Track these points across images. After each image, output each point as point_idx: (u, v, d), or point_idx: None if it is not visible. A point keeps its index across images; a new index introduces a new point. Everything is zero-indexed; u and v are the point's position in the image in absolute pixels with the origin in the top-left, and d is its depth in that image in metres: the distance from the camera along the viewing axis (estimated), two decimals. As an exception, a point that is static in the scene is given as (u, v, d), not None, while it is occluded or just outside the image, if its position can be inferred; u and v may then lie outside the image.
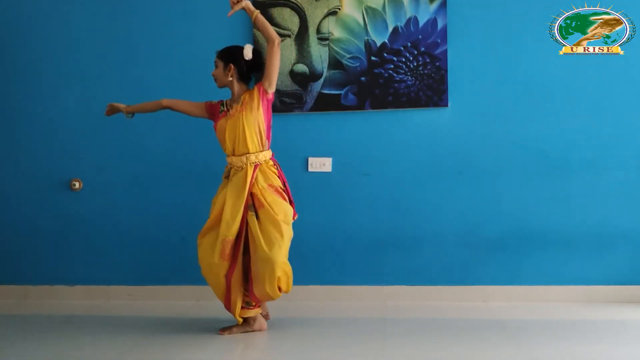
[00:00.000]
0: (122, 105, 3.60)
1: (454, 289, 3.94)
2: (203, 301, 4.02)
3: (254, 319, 3.39)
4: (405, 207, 3.97)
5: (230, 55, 3.41)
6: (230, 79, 3.40)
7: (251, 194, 3.30)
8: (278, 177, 3.39)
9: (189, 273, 4.06)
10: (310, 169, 4.01)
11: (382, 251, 3.98)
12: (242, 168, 3.33)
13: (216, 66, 3.44)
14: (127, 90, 4.11)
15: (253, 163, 3.33)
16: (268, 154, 3.39)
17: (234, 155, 3.36)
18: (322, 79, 3.99)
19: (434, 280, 3.96)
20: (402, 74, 3.94)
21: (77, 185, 4.14)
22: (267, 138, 3.39)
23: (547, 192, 3.90)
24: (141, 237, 4.12)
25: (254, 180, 3.31)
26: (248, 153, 3.32)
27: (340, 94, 3.98)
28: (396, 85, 3.94)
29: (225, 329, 3.39)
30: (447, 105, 3.92)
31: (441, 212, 3.95)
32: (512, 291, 3.91)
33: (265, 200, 3.28)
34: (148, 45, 4.09)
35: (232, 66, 3.39)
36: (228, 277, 3.29)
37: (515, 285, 3.91)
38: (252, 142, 3.33)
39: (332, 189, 4.00)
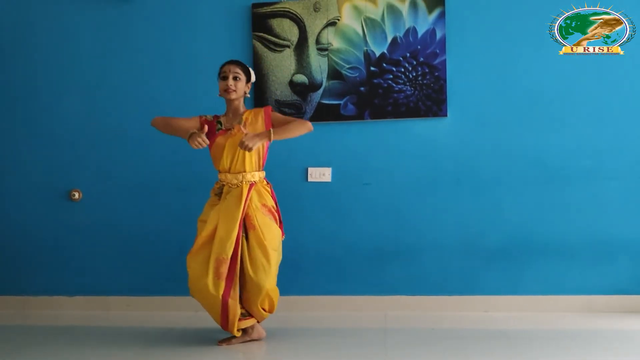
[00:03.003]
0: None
1: (454, 299, 3.93)
2: (202, 312, 4.00)
3: (252, 327, 3.37)
4: (405, 216, 3.97)
5: (249, 72, 3.43)
6: (246, 95, 3.41)
7: (247, 214, 3.28)
8: (271, 197, 3.38)
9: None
10: (309, 179, 4.01)
11: (383, 261, 3.98)
12: (238, 186, 3.31)
13: (239, 78, 3.37)
14: (127, 100, 4.12)
15: (249, 181, 3.32)
16: (262, 173, 3.39)
17: (229, 172, 3.34)
18: (321, 89, 4.00)
19: (434, 290, 3.95)
20: (401, 84, 3.95)
21: (76, 195, 4.14)
22: (264, 159, 3.40)
23: (548, 201, 3.89)
24: (141, 247, 4.11)
25: (249, 199, 3.29)
26: (244, 172, 3.32)
27: (339, 104, 3.99)
28: (395, 95, 3.95)
29: (224, 340, 3.37)
30: (446, 115, 3.92)
31: (441, 221, 3.95)
32: (513, 301, 3.90)
33: (257, 222, 3.27)
34: (148, 55, 4.11)
35: (249, 84, 3.42)
36: (225, 297, 3.24)
37: (516, 295, 3.90)
38: (251, 162, 3.33)
39: (332, 199, 4.00)
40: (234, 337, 3.36)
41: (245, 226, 3.28)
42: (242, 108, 3.42)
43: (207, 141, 3.23)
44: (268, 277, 3.24)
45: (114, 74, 4.12)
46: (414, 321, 3.74)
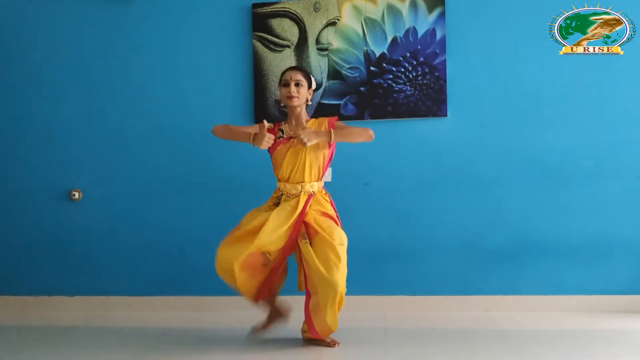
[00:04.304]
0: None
1: (454, 299, 3.93)
2: (202, 311, 4.01)
3: (276, 311, 3.41)
4: (405, 216, 3.97)
5: (310, 78, 3.38)
6: (308, 102, 3.36)
7: (304, 223, 3.23)
8: (331, 206, 3.35)
9: (188, 283, 4.06)
10: (310, 179, 4.00)
11: (383, 261, 3.98)
12: (297, 196, 3.27)
13: (301, 84, 3.30)
14: (127, 100, 4.12)
15: (307, 192, 3.28)
16: (321, 183, 3.35)
17: (287, 182, 3.29)
18: (321, 89, 4.00)
19: (434, 291, 3.95)
20: (401, 84, 3.95)
21: (76, 195, 4.14)
22: (324, 170, 3.35)
23: (547, 202, 3.89)
24: (140, 247, 4.11)
25: (306, 209, 3.24)
26: (303, 182, 3.28)
27: (339, 104, 3.99)
28: (395, 95, 3.95)
29: (257, 327, 3.39)
30: (446, 115, 3.92)
31: (441, 221, 3.95)
32: (512, 301, 3.90)
33: (321, 227, 3.20)
34: (148, 55, 4.11)
35: (311, 90, 3.37)
36: (266, 282, 3.28)
37: (515, 295, 3.90)
38: (310, 173, 3.28)
39: (332, 199, 4.00)
40: (262, 322, 3.38)
41: (309, 234, 3.21)
42: (304, 116, 3.36)
43: (272, 137, 3.20)
44: (339, 273, 3.10)
45: (114, 74, 4.12)
46: (414, 321, 3.74)
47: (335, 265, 3.10)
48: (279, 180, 3.33)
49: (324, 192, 3.36)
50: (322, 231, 3.18)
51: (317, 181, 3.32)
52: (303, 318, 3.33)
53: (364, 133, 3.27)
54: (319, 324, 3.20)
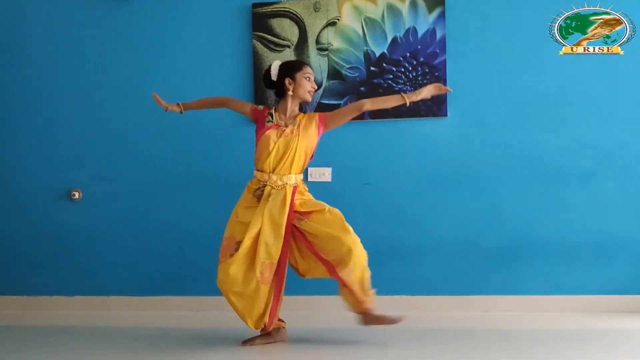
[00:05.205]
0: (172, 105, 3.43)
1: (454, 299, 3.93)
2: (202, 311, 4.01)
3: (277, 330, 3.36)
4: (405, 216, 3.97)
5: None
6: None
7: (295, 212, 3.26)
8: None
9: (188, 283, 4.06)
10: (309, 179, 4.01)
11: (382, 261, 3.96)
12: (282, 188, 3.27)
13: (310, 79, 3.37)
14: (127, 100, 4.12)
15: (293, 184, 3.29)
16: (301, 175, 3.37)
17: (273, 173, 3.29)
18: (321, 89, 4.00)
19: (434, 290, 3.95)
20: (401, 84, 3.95)
21: (76, 195, 4.14)
22: (307, 161, 3.37)
23: (548, 202, 3.90)
24: (140, 247, 4.11)
25: (294, 201, 3.26)
26: (290, 174, 3.29)
27: (339, 104, 3.99)
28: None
29: (248, 340, 3.34)
30: (446, 115, 3.92)
31: (441, 221, 3.95)
32: (512, 301, 3.90)
33: (309, 206, 3.27)
34: (148, 54, 4.11)
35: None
36: (274, 305, 3.26)
37: (515, 295, 3.91)
38: (297, 165, 3.30)
39: (332, 199, 3.96)
40: (258, 337, 3.34)
41: (301, 218, 3.24)
42: (295, 108, 3.39)
43: (164, 105, 3.38)
44: (345, 228, 3.18)
45: (114, 74, 4.12)
46: (414, 321, 3.73)
47: (342, 229, 3.17)
48: (262, 171, 3.30)
49: (303, 184, 3.39)
50: (312, 208, 3.24)
51: (300, 173, 3.34)
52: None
53: (388, 99, 3.42)
54: (352, 281, 3.18)
